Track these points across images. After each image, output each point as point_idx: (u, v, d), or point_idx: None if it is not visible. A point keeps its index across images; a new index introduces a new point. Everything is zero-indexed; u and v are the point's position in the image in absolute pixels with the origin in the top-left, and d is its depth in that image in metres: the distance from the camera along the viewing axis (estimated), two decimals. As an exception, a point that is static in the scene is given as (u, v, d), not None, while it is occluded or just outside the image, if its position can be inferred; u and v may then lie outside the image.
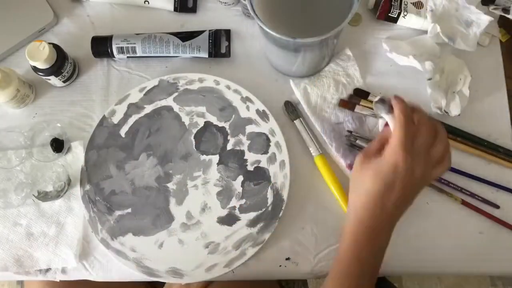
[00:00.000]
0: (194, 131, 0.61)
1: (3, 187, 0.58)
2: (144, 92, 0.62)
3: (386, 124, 0.46)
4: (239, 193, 0.58)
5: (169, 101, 0.62)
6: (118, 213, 0.58)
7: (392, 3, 0.63)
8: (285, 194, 0.57)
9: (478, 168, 0.59)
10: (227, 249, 0.56)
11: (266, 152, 0.59)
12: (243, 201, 0.58)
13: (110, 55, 0.63)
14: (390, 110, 0.45)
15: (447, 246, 0.57)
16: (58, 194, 0.58)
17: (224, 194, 0.58)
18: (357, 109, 0.60)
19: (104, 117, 0.61)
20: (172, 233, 0.57)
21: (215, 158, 0.60)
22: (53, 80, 0.61)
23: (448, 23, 0.61)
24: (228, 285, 0.62)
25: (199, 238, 0.57)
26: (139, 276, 0.56)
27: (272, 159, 0.59)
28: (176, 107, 0.62)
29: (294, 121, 0.60)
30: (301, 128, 0.60)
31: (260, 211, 0.57)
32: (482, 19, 0.60)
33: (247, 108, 0.61)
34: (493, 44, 0.64)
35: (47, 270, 0.56)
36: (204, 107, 0.62)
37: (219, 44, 0.64)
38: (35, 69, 0.59)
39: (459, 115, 0.59)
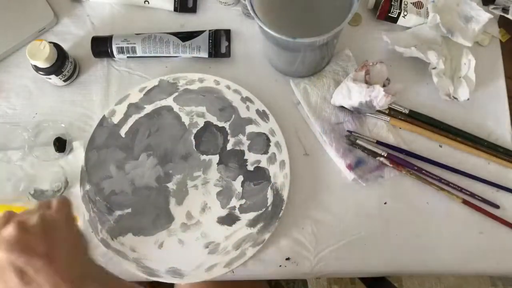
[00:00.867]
0: (194, 131, 0.61)
1: (1, 181, 0.58)
2: (144, 92, 0.62)
3: None
4: (239, 193, 0.58)
5: (169, 101, 0.62)
6: (118, 213, 0.58)
7: (392, 3, 0.63)
8: (285, 194, 0.57)
9: (478, 168, 0.59)
10: (227, 249, 0.56)
11: (266, 152, 0.59)
12: (243, 201, 0.58)
13: (110, 55, 0.63)
14: None
15: (447, 246, 0.57)
16: (55, 194, 0.58)
17: (224, 194, 0.58)
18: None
19: (104, 117, 0.61)
20: (172, 233, 0.57)
21: (215, 158, 0.60)
22: (54, 79, 0.61)
23: (448, 16, 0.61)
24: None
25: (199, 238, 0.57)
26: (139, 276, 0.56)
27: (272, 159, 0.59)
28: (176, 107, 0.62)
29: None
30: None
31: (260, 211, 0.57)
32: (481, 16, 0.60)
33: (247, 108, 0.61)
34: (493, 44, 0.64)
35: None
36: (204, 107, 0.62)
37: (219, 44, 0.64)
38: (36, 68, 0.59)
39: (468, 99, 0.59)
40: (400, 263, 0.57)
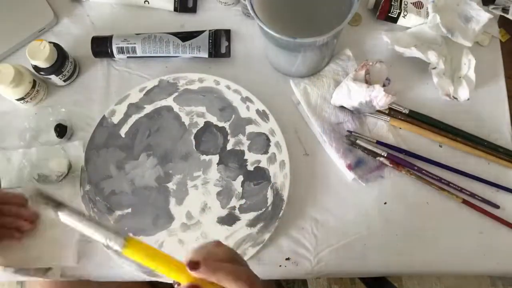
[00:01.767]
0: (194, 131, 0.61)
1: (5, 168, 0.59)
2: (144, 92, 0.62)
3: None
4: (239, 193, 0.58)
5: (169, 101, 0.62)
6: (118, 213, 0.58)
7: (392, 3, 0.63)
8: (285, 194, 0.57)
9: (478, 168, 0.59)
10: (227, 249, 0.56)
11: (266, 152, 0.59)
12: (243, 201, 0.58)
13: (110, 55, 0.63)
14: None
15: (447, 246, 0.57)
16: (58, 178, 0.58)
17: (224, 194, 0.58)
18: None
19: (104, 117, 0.61)
20: (172, 233, 0.57)
21: (215, 158, 0.60)
22: (54, 79, 0.61)
23: (448, 16, 0.61)
24: None
25: (199, 238, 0.57)
26: (139, 276, 0.56)
27: (272, 159, 0.59)
28: (176, 107, 0.62)
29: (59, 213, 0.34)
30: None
31: (260, 211, 0.57)
32: (481, 16, 0.60)
33: (247, 108, 0.61)
34: (493, 44, 0.65)
35: (47, 269, 0.56)
36: (204, 107, 0.62)
37: (219, 44, 0.64)
38: (36, 68, 0.59)
39: (468, 99, 0.59)
40: (400, 263, 0.57)
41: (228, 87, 0.62)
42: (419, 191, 0.59)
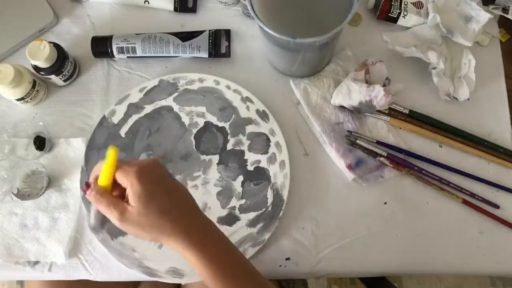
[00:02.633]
0: (194, 131, 0.61)
1: None
2: (144, 92, 0.62)
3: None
4: (239, 193, 0.58)
5: (169, 101, 0.62)
6: (118, 213, 0.58)
7: (392, 3, 0.63)
8: (285, 194, 0.57)
9: (478, 168, 0.59)
10: (227, 249, 0.56)
11: (266, 152, 0.59)
12: (243, 201, 0.58)
13: (110, 55, 0.63)
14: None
15: (447, 246, 0.57)
16: (37, 192, 0.58)
17: (224, 194, 0.58)
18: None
19: (104, 117, 0.61)
20: (172, 233, 0.57)
21: (215, 158, 0.60)
22: (54, 79, 0.61)
23: (448, 16, 0.61)
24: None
25: (199, 238, 0.57)
26: (139, 276, 0.56)
27: (272, 159, 0.59)
28: (176, 107, 0.62)
29: None
30: None
31: (260, 211, 0.57)
32: (481, 16, 0.60)
33: (247, 108, 0.61)
34: (493, 44, 0.65)
35: (36, 263, 0.57)
36: (204, 107, 0.62)
37: (219, 44, 0.64)
38: (36, 68, 0.59)
39: (468, 99, 0.59)
40: (400, 263, 0.57)
41: (228, 87, 0.62)
42: (419, 191, 0.59)
